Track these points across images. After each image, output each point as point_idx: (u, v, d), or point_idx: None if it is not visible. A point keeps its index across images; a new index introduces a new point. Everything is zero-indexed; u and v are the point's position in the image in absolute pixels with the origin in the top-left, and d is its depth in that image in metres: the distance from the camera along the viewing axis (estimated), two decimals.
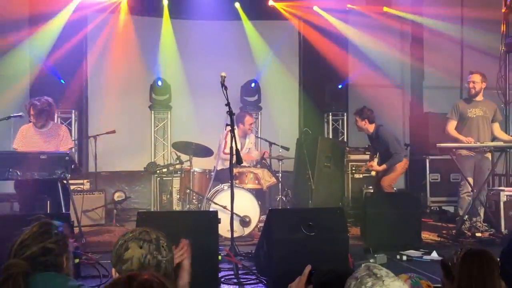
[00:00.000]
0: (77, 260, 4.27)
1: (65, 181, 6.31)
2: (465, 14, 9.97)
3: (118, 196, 8.76)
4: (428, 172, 9.28)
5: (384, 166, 7.51)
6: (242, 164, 6.24)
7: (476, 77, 7.28)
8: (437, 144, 7.06)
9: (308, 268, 2.48)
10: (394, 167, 7.50)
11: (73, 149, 7.14)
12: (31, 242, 2.48)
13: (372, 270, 1.86)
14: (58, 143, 6.61)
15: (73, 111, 9.45)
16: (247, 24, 10.24)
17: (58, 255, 2.52)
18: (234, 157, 5.68)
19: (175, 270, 2.63)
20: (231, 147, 5.69)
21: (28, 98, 7.52)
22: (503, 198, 7.20)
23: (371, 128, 7.66)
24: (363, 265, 1.96)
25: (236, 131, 7.70)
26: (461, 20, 10.08)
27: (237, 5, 10.23)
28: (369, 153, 7.62)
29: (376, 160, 7.52)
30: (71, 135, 9.24)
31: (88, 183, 8.56)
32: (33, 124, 6.58)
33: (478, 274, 2.35)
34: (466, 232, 7.04)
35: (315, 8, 10.30)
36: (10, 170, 5.88)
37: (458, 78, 9.73)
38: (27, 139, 6.55)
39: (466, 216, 7.09)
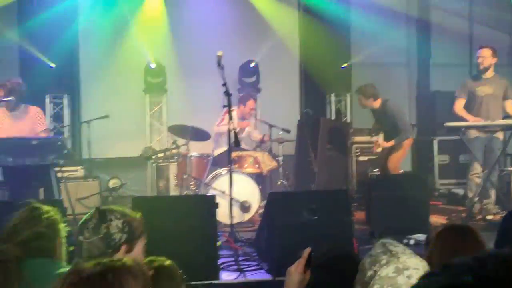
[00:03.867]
0: (71, 248, 4.15)
1: (57, 168, 6.18)
2: None
3: (113, 183, 8.55)
4: (436, 153, 9.02)
5: (392, 142, 7.17)
6: (240, 147, 6.10)
7: (486, 52, 6.95)
8: (444, 124, 6.78)
9: (307, 251, 2.36)
10: (401, 145, 7.21)
11: (48, 131, 7.02)
12: (23, 227, 2.45)
13: (388, 247, 1.77)
14: (29, 126, 6.42)
15: (65, 95, 9.20)
16: None
17: (50, 240, 2.54)
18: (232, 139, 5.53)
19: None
20: (228, 129, 5.54)
21: None
22: None
23: (376, 104, 7.31)
24: (378, 242, 1.86)
25: (235, 111, 7.55)
26: None
27: None
28: (374, 134, 7.36)
29: (381, 136, 7.23)
30: (61, 120, 9.10)
31: (83, 170, 8.32)
32: (5, 107, 6.41)
33: (450, 247, 2.34)
34: (477, 214, 6.79)
35: None
36: (1, 156, 5.79)
37: (467, 55, 9.41)
38: None
39: (477, 198, 6.82)
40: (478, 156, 6.88)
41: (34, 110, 6.56)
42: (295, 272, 2.30)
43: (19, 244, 2.39)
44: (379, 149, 7.42)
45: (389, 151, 7.28)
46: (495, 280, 0.60)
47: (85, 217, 2.38)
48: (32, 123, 6.45)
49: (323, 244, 3.81)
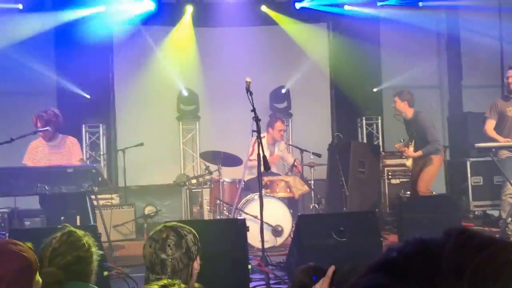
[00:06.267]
0: (106, 273, 4.24)
1: (92, 195, 6.29)
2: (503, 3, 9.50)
3: (149, 209, 8.65)
4: (469, 175, 8.85)
5: (419, 153, 7.04)
6: (270, 171, 6.10)
7: None
8: (475, 144, 6.72)
9: (331, 269, 2.30)
10: (431, 161, 7.12)
11: (84, 161, 7.12)
12: (64, 250, 2.53)
13: None
14: (66, 156, 6.52)
15: (101, 125, 9.39)
16: (283, 22, 9.80)
17: (88, 264, 2.62)
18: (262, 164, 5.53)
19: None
20: (258, 154, 5.56)
21: None
22: None
23: (409, 112, 7.25)
24: None
25: (265, 138, 7.60)
26: (499, 11, 9.63)
27: (264, 8, 9.83)
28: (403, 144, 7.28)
29: (411, 148, 7.15)
30: (97, 148, 9.28)
31: (118, 198, 8.49)
32: (42, 138, 6.52)
33: None
34: (511, 236, 6.66)
35: (346, 7, 9.81)
36: (38, 185, 5.87)
37: (498, 76, 9.28)
38: (36, 154, 6.50)
39: (510, 219, 6.71)
40: (511, 177, 6.79)
41: (70, 140, 6.65)
42: None
43: (62, 267, 2.47)
44: (408, 163, 7.31)
45: (420, 169, 7.20)
46: (411, 255, 0.76)
47: (154, 236, 2.54)
48: (68, 153, 6.54)
49: (346, 263, 3.84)
